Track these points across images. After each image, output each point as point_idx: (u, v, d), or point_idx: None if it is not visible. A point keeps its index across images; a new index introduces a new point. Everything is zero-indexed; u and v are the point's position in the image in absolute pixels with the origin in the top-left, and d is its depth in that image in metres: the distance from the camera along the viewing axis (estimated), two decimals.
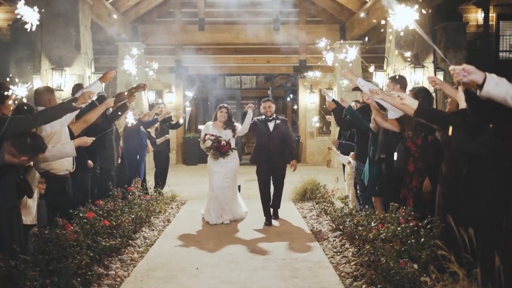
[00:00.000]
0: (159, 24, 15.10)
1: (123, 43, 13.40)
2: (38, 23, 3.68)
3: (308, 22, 15.62)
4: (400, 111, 4.83)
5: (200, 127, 15.02)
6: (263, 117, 7.27)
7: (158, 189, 8.36)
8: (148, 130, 8.69)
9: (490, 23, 14.11)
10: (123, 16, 13.90)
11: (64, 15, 10.03)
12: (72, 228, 4.48)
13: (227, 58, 15.98)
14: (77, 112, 4.88)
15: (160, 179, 9.03)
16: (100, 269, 4.61)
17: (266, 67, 16.26)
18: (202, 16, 15.15)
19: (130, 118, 6.47)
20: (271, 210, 7.30)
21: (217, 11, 15.37)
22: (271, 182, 7.32)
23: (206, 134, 7.25)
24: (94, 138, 5.11)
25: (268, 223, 7.05)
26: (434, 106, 5.74)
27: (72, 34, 10.09)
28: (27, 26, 3.64)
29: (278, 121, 7.21)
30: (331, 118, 9.60)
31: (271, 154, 7.11)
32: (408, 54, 9.37)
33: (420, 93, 4.82)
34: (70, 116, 4.86)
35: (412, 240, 4.01)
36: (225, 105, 7.54)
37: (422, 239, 3.91)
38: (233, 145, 7.30)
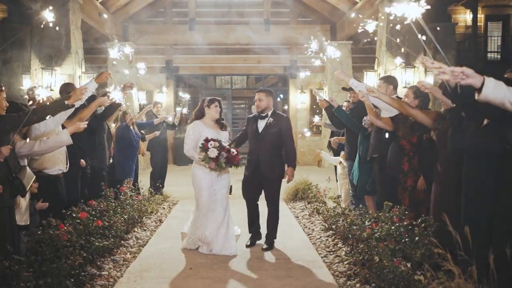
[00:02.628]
0: (149, 24, 15.05)
1: (113, 42, 13.30)
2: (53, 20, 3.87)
3: (299, 22, 15.66)
4: (394, 110, 4.87)
5: None
6: (256, 113, 5.86)
7: (151, 189, 8.30)
8: (142, 131, 8.65)
9: (478, 24, 14.27)
10: (113, 15, 13.82)
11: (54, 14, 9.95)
12: (65, 228, 4.46)
13: (218, 58, 15.93)
14: (72, 110, 4.84)
15: (160, 181, 8.99)
16: (93, 269, 4.58)
17: (257, 67, 16.25)
18: (193, 16, 15.18)
19: (116, 95, 5.84)
20: (264, 238, 5.85)
21: (208, 11, 15.35)
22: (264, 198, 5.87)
23: (209, 141, 5.30)
24: (87, 122, 5.08)
25: (250, 244, 5.77)
26: (431, 105, 5.79)
27: (62, 34, 10.02)
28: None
29: (271, 119, 5.65)
30: (320, 122, 9.74)
31: (259, 163, 5.63)
32: (398, 61, 9.39)
33: (419, 91, 4.87)
34: (64, 115, 4.82)
35: (406, 239, 4.05)
36: (217, 98, 5.75)
37: (417, 238, 3.94)
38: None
